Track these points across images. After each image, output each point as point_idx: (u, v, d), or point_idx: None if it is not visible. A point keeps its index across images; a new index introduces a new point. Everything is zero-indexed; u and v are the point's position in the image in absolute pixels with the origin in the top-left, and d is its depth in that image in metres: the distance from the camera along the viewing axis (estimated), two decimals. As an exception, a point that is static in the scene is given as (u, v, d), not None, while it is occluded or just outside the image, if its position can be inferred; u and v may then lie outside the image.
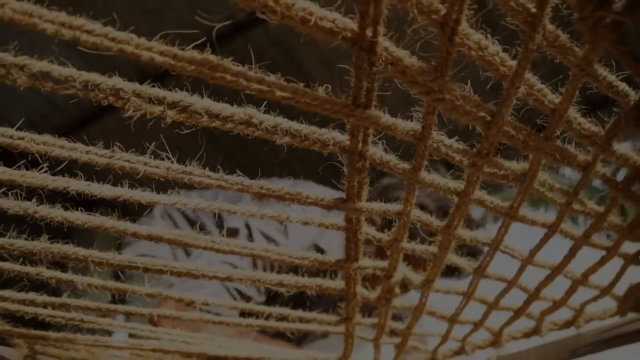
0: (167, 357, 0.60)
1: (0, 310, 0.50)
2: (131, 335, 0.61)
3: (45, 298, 0.48)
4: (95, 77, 0.28)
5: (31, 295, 0.48)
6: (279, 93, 0.29)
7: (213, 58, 0.27)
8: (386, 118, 0.32)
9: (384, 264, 0.47)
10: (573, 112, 0.35)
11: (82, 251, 0.41)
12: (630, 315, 0.68)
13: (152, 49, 0.26)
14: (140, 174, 0.34)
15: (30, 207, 0.37)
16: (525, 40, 0.28)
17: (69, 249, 0.41)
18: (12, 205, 0.37)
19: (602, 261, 0.52)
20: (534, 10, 0.27)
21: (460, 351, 0.70)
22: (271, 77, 0.28)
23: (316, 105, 0.30)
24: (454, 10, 0.27)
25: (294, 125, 0.33)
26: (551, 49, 0.30)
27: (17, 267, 0.43)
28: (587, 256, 0.57)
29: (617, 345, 0.77)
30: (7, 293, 0.47)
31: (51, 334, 0.55)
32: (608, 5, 0.27)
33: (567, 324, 0.66)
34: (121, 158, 0.33)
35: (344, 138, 0.34)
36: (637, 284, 0.59)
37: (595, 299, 0.60)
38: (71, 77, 0.28)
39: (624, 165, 0.41)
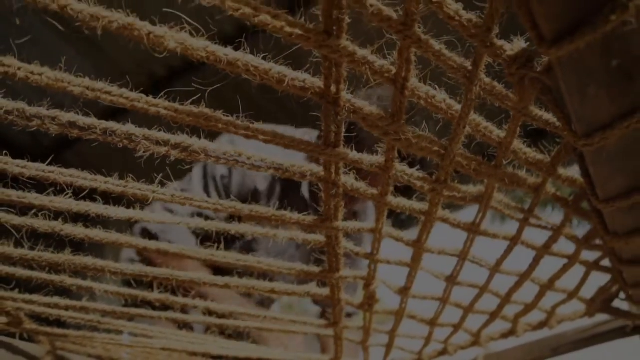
0: (175, 355, 0.66)
1: (28, 312, 0.57)
2: (134, 334, 0.67)
3: (67, 302, 0.55)
4: (112, 124, 0.35)
5: (55, 300, 0.55)
6: (262, 137, 0.35)
7: (207, 111, 0.33)
8: (353, 154, 0.38)
9: (363, 273, 0.53)
10: (518, 144, 0.41)
11: (99, 262, 0.48)
12: (603, 317, 0.73)
13: (158, 105, 0.33)
14: (150, 199, 0.41)
15: (57, 226, 0.44)
16: (465, 92, 0.34)
17: (89, 260, 0.48)
18: (42, 224, 0.43)
19: (564, 268, 0.57)
20: (470, 68, 0.33)
21: (444, 352, 0.75)
22: (256, 125, 0.35)
23: (293, 146, 0.36)
24: (402, 70, 0.33)
25: (277, 160, 0.39)
26: (489, 96, 0.35)
27: (44, 275, 0.50)
28: (559, 262, 0.63)
29: (595, 343, 0.82)
30: (35, 297, 0.54)
31: (72, 332, 0.62)
32: (530, 66, 0.32)
33: (541, 325, 0.72)
34: (134, 187, 0.40)
35: (319, 169, 0.40)
36: (603, 287, 0.64)
37: (564, 302, 0.65)
38: (93, 126, 0.34)
39: (572, 186, 0.46)
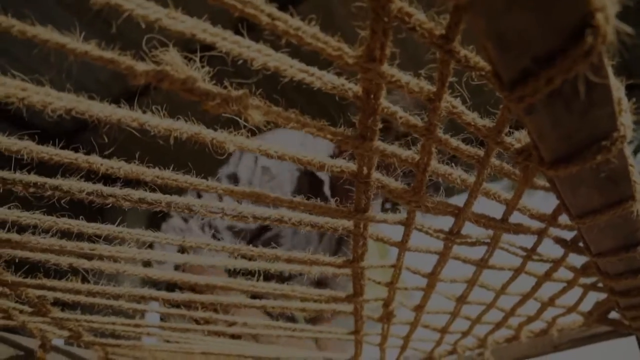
0: (212, 357, 0.75)
1: (87, 328, 0.65)
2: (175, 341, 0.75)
3: (123, 320, 0.63)
4: (174, 198, 0.41)
5: (113, 319, 0.62)
6: (302, 207, 0.41)
7: (258, 191, 0.39)
8: (380, 216, 0.44)
9: (383, 295, 0.60)
10: (523, 203, 0.46)
11: (154, 293, 0.55)
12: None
13: (217, 187, 0.39)
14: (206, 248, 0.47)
15: (121, 267, 0.51)
16: (478, 172, 0.40)
17: (145, 291, 0.55)
18: (107, 267, 0.50)
19: (564, 290, 0.63)
20: (482, 155, 0.39)
21: (453, 351, 0.83)
22: (293, 198, 0.41)
23: (327, 213, 0.42)
24: (424, 158, 0.38)
25: (313, 219, 0.45)
26: (499, 173, 0.41)
27: (104, 301, 0.58)
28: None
29: (594, 342, 0.89)
30: (94, 317, 0.62)
31: (123, 342, 0.70)
32: (531, 158, 0.38)
33: (542, 333, 0.79)
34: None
35: (349, 224, 0.46)
36: (600, 302, 0.71)
37: (563, 314, 0.72)
38: (159, 200, 0.41)
39: (572, 229, 0.52)
